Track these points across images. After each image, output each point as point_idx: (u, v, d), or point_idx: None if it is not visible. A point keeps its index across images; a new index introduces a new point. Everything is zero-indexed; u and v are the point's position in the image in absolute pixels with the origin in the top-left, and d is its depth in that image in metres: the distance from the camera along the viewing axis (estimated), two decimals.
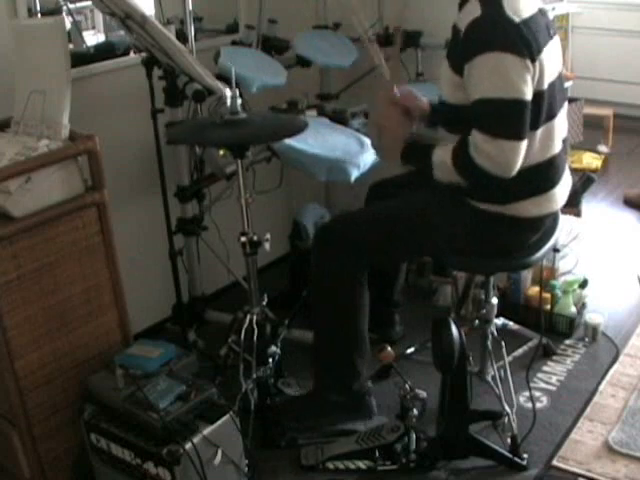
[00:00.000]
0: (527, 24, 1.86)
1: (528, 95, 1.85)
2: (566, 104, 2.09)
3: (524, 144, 1.88)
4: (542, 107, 1.91)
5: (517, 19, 1.84)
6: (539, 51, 1.87)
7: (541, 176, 2.01)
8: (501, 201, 2.02)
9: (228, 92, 2.12)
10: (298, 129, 2.05)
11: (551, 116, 1.97)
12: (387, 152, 2.15)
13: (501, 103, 1.84)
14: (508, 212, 2.02)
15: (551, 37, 1.97)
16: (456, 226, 2.09)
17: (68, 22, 2.42)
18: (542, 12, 1.97)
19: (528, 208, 2.03)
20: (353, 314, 2.21)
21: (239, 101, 2.03)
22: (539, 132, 1.94)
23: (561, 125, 2.04)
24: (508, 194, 2.01)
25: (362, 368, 2.27)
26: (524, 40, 1.84)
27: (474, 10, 1.87)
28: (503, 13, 1.84)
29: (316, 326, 2.29)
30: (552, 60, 1.94)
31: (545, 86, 1.91)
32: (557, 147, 2.02)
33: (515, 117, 1.86)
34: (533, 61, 1.85)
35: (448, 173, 1.98)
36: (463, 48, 1.89)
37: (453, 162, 1.94)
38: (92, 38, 2.63)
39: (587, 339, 2.73)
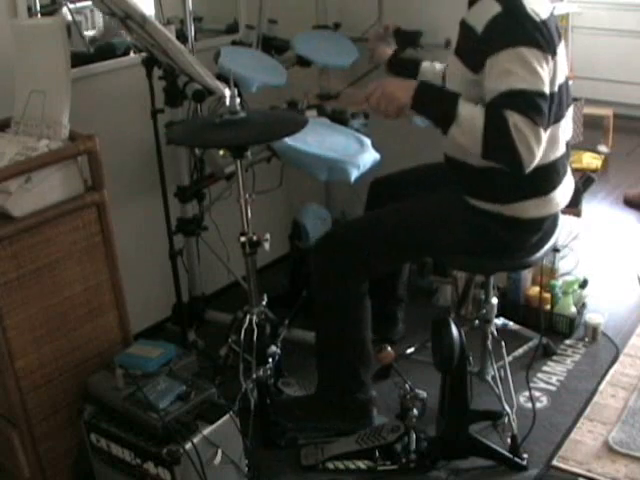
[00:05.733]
0: (545, 24, 1.87)
1: (548, 89, 1.85)
2: (571, 107, 2.09)
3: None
4: (552, 109, 1.91)
5: (537, 18, 1.85)
6: (555, 52, 1.88)
7: (543, 178, 2.00)
8: (503, 201, 2.02)
9: (228, 92, 2.12)
10: (298, 127, 2.04)
11: (558, 119, 1.97)
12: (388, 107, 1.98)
13: (532, 94, 1.81)
14: (508, 212, 2.02)
15: (560, 40, 1.98)
16: (457, 227, 2.09)
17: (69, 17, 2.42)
18: (552, 15, 1.97)
19: (528, 209, 2.02)
20: (356, 324, 2.20)
21: (238, 100, 2.03)
22: (547, 134, 1.93)
23: (566, 128, 2.04)
24: (510, 194, 2.00)
25: (366, 378, 2.26)
26: (545, 37, 1.85)
27: (491, 7, 1.87)
28: (524, 9, 1.85)
29: (319, 335, 2.28)
30: (562, 62, 1.95)
31: (556, 88, 1.91)
32: (561, 150, 2.02)
33: (544, 109, 1.83)
34: (553, 58, 1.86)
35: (470, 134, 1.85)
36: (485, 44, 1.87)
37: (486, 126, 1.81)
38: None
39: (587, 339, 2.73)
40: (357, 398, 2.26)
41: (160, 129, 2.37)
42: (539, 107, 1.81)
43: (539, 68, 1.82)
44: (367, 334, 2.23)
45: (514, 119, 1.79)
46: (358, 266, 2.14)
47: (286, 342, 2.39)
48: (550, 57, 1.85)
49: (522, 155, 1.80)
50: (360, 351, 2.23)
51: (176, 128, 2.32)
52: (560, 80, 1.94)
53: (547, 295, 2.74)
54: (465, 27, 1.98)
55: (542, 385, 2.50)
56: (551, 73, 1.87)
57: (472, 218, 2.06)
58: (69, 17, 2.44)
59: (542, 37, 1.84)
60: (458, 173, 2.09)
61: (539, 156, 1.83)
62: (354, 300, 2.17)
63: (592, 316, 2.75)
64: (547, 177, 2.01)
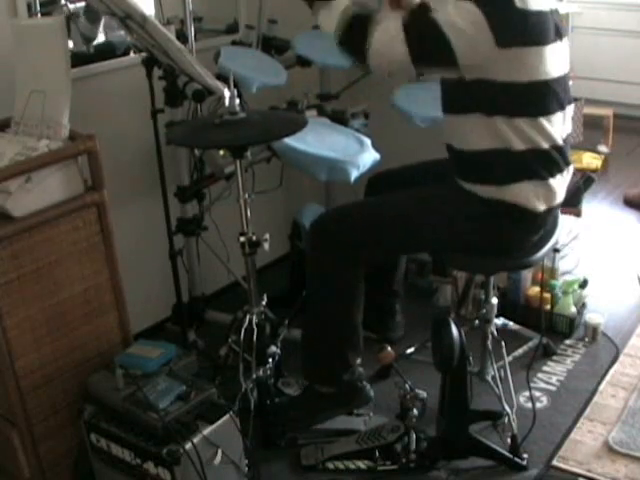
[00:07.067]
0: (534, 15, 1.87)
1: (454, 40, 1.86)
2: (572, 106, 2.09)
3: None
4: (547, 97, 1.94)
5: (520, 4, 1.85)
6: (540, 43, 1.88)
7: (537, 162, 1.99)
8: (498, 182, 2.01)
9: (227, 92, 2.12)
10: (298, 127, 2.04)
11: (552, 110, 1.97)
12: None
13: (435, 25, 1.85)
14: (506, 197, 2.00)
15: (560, 38, 1.97)
16: (456, 221, 2.08)
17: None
18: (553, 12, 1.96)
19: (527, 195, 2.00)
20: (348, 306, 2.20)
21: (237, 101, 2.03)
22: (540, 120, 1.95)
23: (563, 122, 2.03)
24: (507, 175, 1.99)
25: (353, 361, 2.26)
26: (525, 26, 1.85)
27: None
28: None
29: (309, 318, 2.28)
30: (557, 57, 1.95)
31: (542, 77, 1.92)
32: (552, 140, 2.00)
33: (428, 40, 1.88)
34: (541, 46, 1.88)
35: (389, 39, 1.91)
36: None
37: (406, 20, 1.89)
38: None
39: (587, 339, 2.74)
40: (343, 380, 2.25)
41: (160, 129, 2.37)
42: (426, 33, 1.87)
43: (469, 25, 1.82)
44: (358, 318, 2.22)
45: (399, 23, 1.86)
46: (352, 248, 2.14)
47: (286, 342, 2.38)
48: (534, 46, 1.87)
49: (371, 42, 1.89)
50: (349, 333, 2.22)
51: (176, 128, 2.32)
52: (553, 74, 1.94)
53: (547, 295, 2.74)
54: None
55: (542, 385, 2.50)
56: (544, 62, 1.89)
57: (472, 210, 2.05)
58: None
59: (512, 21, 1.84)
60: (455, 159, 2.10)
61: (380, 54, 1.91)
62: (348, 280, 2.17)
63: (592, 316, 2.75)
64: (541, 162, 2.00)
